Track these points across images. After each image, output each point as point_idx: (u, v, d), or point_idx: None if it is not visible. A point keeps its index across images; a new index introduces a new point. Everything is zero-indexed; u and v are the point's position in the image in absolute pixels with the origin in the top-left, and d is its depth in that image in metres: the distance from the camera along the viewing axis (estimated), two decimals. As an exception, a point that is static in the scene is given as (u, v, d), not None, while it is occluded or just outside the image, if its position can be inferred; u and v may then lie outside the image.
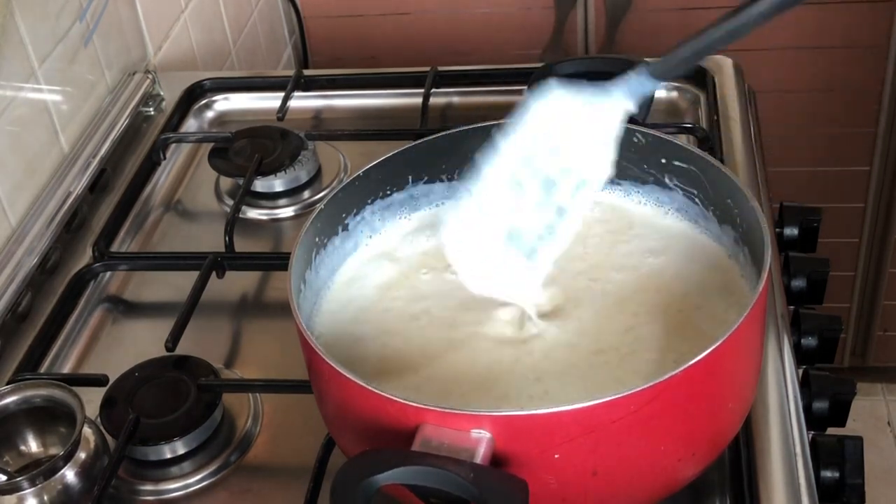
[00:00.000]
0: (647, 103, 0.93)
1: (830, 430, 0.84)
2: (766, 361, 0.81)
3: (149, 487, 0.80)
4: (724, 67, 1.16)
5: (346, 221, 0.82)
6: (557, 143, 0.70)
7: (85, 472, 0.77)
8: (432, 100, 1.16)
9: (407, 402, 0.60)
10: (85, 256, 1.02)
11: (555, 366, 0.71)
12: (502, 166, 0.71)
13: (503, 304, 0.75)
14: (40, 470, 0.75)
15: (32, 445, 0.81)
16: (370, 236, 0.83)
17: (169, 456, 0.81)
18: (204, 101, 1.24)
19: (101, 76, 1.17)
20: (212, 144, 1.12)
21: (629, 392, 0.59)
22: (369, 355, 0.74)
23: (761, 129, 1.14)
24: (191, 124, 1.22)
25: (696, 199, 0.80)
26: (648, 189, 0.83)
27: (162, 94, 1.24)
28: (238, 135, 1.12)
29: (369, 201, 0.83)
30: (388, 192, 0.84)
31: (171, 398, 0.83)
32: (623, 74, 0.69)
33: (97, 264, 0.99)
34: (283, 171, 1.08)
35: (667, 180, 0.81)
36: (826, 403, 0.85)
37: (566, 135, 0.70)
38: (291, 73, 1.23)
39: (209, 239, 1.04)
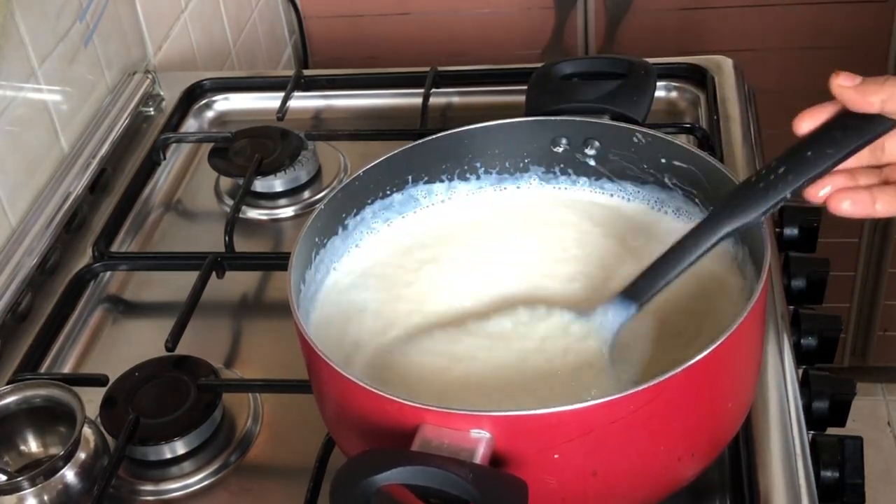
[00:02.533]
0: (648, 103, 0.93)
1: (830, 430, 0.84)
2: (766, 361, 0.81)
3: (149, 487, 0.80)
4: (724, 67, 1.16)
5: (346, 221, 0.82)
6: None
7: (85, 472, 0.77)
8: (432, 100, 1.16)
9: (406, 402, 0.60)
10: (85, 256, 1.02)
11: (545, 366, 0.71)
12: None
13: (502, 303, 0.75)
14: (40, 470, 0.75)
15: (32, 445, 0.81)
16: (370, 236, 0.83)
17: (169, 456, 0.81)
18: (204, 101, 1.24)
19: (101, 76, 1.17)
20: (212, 144, 1.12)
21: (628, 392, 0.59)
22: (369, 354, 0.74)
23: (761, 129, 1.14)
24: (191, 124, 1.22)
25: (696, 199, 0.80)
26: (648, 189, 0.83)
27: (162, 94, 1.24)
28: (238, 135, 1.12)
29: (369, 201, 0.83)
30: (388, 193, 0.84)
31: (171, 398, 0.83)
32: (603, 304, 0.70)
33: (97, 264, 0.99)
34: (283, 171, 1.08)
35: (666, 180, 0.81)
36: (826, 403, 0.85)
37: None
38: (291, 73, 1.23)
39: (209, 239, 1.04)
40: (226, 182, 1.11)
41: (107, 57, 1.17)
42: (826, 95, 0.67)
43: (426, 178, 0.85)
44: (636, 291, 0.70)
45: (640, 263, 0.78)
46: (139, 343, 0.93)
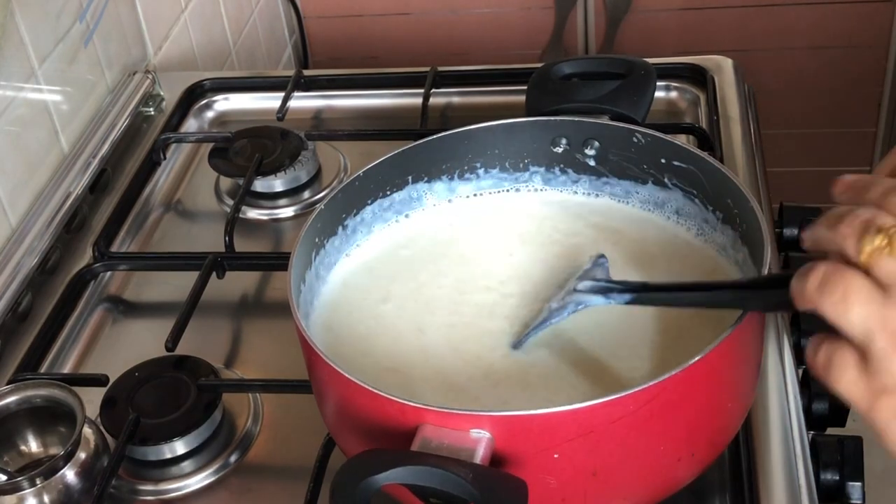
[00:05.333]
0: (647, 104, 0.93)
1: (830, 430, 0.84)
2: (766, 361, 0.81)
3: (149, 487, 0.80)
4: (724, 67, 1.16)
5: (345, 221, 0.82)
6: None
7: (85, 472, 0.77)
8: (432, 100, 1.16)
9: (407, 402, 0.60)
10: (85, 256, 1.02)
11: (546, 369, 0.71)
12: None
13: (498, 307, 0.76)
14: (40, 470, 0.75)
15: (32, 445, 0.81)
16: (370, 236, 0.83)
17: (169, 456, 0.81)
18: (204, 101, 1.24)
19: (101, 76, 1.17)
20: (212, 144, 1.12)
21: (628, 392, 0.59)
22: (369, 354, 0.74)
23: (761, 129, 1.14)
24: (191, 124, 1.22)
25: (696, 199, 0.80)
26: (648, 189, 0.83)
27: (162, 94, 1.24)
28: (238, 135, 1.12)
29: (369, 201, 0.83)
30: (388, 193, 0.84)
31: (171, 398, 0.83)
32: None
33: (97, 264, 0.99)
34: (283, 171, 1.08)
35: (666, 180, 0.81)
36: (826, 403, 0.85)
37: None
38: (291, 73, 1.23)
39: (209, 239, 1.04)
40: (226, 182, 1.11)
41: (107, 57, 1.17)
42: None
43: (426, 178, 0.85)
44: (642, 297, 0.69)
45: (637, 261, 0.78)
46: (139, 343, 0.93)
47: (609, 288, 0.70)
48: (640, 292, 0.69)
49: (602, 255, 0.72)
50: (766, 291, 0.63)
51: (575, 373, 0.71)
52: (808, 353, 0.52)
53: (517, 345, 0.73)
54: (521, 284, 0.78)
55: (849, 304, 0.48)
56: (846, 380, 0.49)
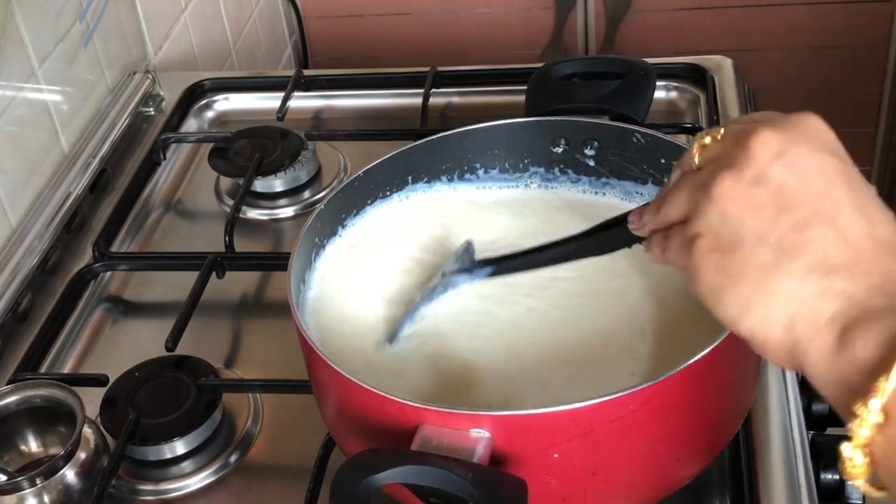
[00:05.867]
0: (647, 104, 0.93)
1: (830, 430, 0.84)
2: (766, 361, 0.81)
3: (149, 487, 0.80)
4: (724, 67, 1.16)
5: (345, 221, 0.82)
6: None
7: (85, 472, 0.77)
8: (432, 100, 1.16)
9: (406, 402, 0.60)
10: (85, 256, 1.02)
11: (542, 366, 0.71)
12: None
13: (495, 302, 0.76)
14: (40, 470, 0.75)
15: (32, 445, 0.81)
16: (369, 236, 0.83)
17: (169, 456, 0.81)
18: (204, 101, 1.24)
19: (101, 76, 1.17)
20: (212, 144, 1.12)
21: (628, 391, 0.59)
22: (369, 354, 0.74)
23: (761, 129, 1.13)
24: (191, 124, 1.22)
25: (696, 199, 0.79)
26: (648, 189, 0.83)
27: (162, 94, 1.24)
28: (238, 135, 1.12)
29: (369, 201, 0.83)
30: (388, 193, 0.84)
31: (171, 398, 0.83)
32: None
33: (97, 264, 0.99)
34: (283, 171, 1.08)
35: (666, 180, 0.81)
36: (826, 404, 0.85)
37: None
38: (291, 73, 1.23)
39: (209, 239, 1.04)
40: (226, 182, 1.11)
41: (107, 57, 1.17)
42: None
43: (426, 178, 0.85)
44: (501, 267, 0.74)
45: (637, 261, 0.78)
46: (139, 343, 0.93)
47: (472, 267, 0.74)
48: (499, 263, 0.74)
49: (470, 241, 0.75)
50: (605, 233, 0.66)
51: (564, 372, 0.70)
52: (653, 250, 0.58)
53: (391, 339, 0.74)
54: (520, 281, 0.78)
55: (675, 192, 0.55)
56: (673, 248, 0.55)
